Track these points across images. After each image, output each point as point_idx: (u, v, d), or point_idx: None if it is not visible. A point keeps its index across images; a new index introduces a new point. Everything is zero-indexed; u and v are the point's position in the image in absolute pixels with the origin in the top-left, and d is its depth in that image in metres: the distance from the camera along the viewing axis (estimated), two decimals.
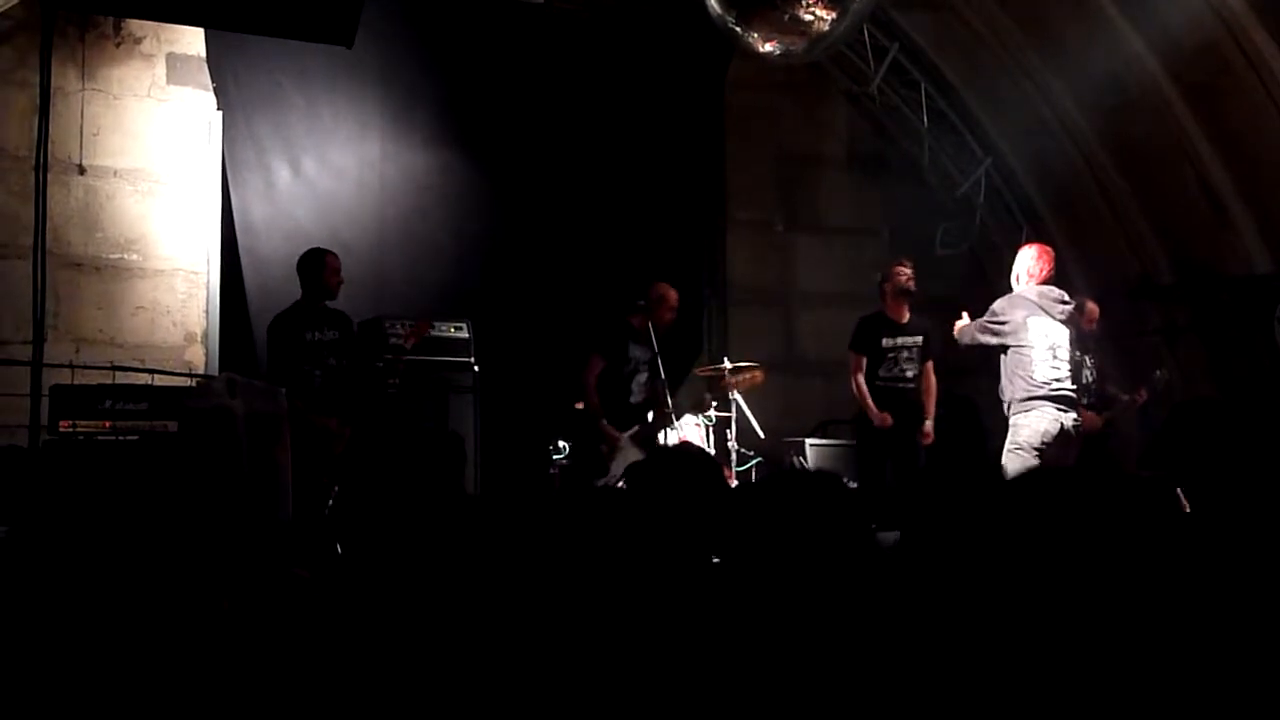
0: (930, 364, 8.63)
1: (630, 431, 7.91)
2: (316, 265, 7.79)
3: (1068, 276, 7.44)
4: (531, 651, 2.76)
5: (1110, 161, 10.18)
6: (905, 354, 8.51)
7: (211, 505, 5.67)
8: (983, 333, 7.46)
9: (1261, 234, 9.24)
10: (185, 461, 5.99)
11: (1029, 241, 8.26)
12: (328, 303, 7.86)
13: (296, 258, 8.65)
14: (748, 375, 8.76)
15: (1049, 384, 7.26)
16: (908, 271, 8.57)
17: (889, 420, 8.32)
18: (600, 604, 2.89)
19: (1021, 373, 7.30)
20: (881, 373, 8.49)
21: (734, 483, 8.62)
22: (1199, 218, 9.57)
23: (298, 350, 7.62)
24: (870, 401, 8.40)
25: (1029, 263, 7.50)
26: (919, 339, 8.58)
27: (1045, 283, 7.41)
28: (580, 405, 8.19)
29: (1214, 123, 9.13)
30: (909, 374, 8.51)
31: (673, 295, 8.24)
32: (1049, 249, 7.61)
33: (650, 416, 8.20)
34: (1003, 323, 7.38)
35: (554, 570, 3.22)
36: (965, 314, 7.74)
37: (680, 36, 10.02)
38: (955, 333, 7.74)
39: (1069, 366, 7.36)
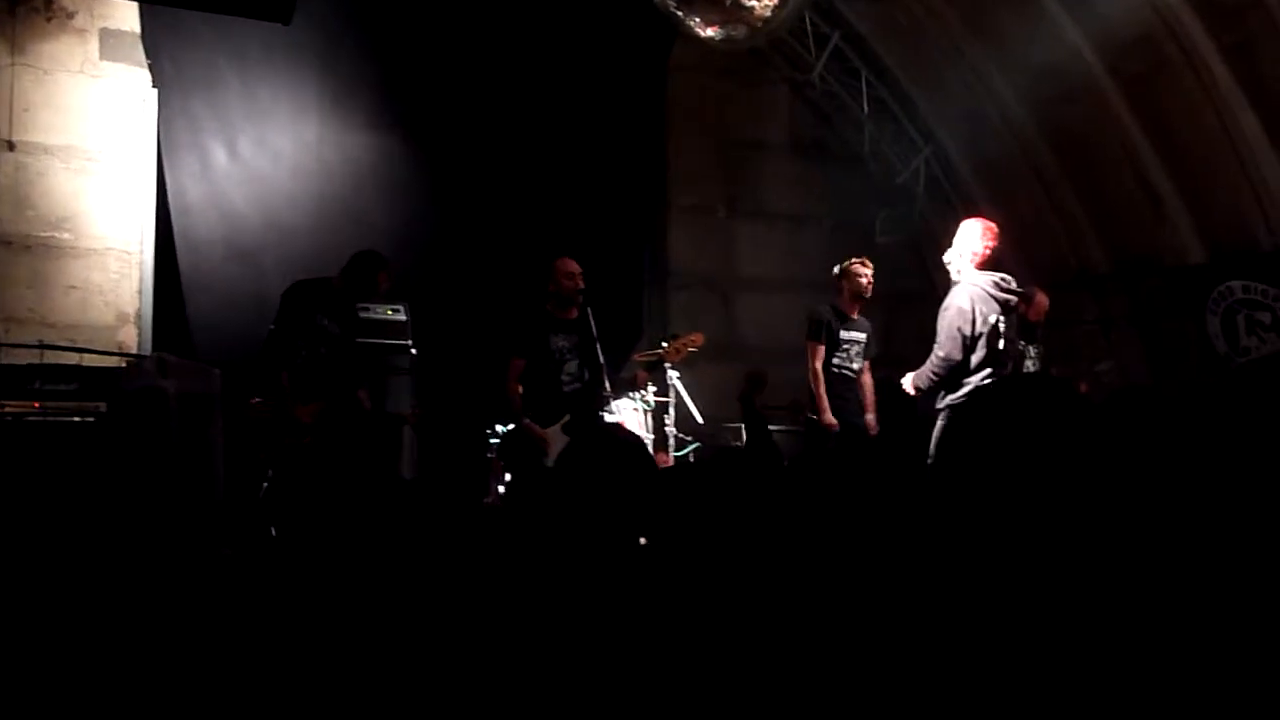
0: (868, 362, 8.70)
1: (561, 423, 7.83)
2: (370, 272, 7.68)
3: (1005, 266, 7.24)
4: (466, 636, 2.74)
5: (1048, 152, 10.26)
6: (855, 348, 8.58)
7: (142, 486, 5.60)
8: (953, 348, 6.98)
9: (1195, 225, 9.35)
10: (116, 442, 5.91)
11: (970, 217, 7.75)
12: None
13: (232, 239, 8.60)
14: (686, 340, 8.69)
15: (984, 378, 6.96)
16: (868, 275, 8.58)
17: (836, 425, 8.36)
18: (531, 588, 2.88)
19: (973, 372, 7.02)
20: (835, 361, 8.55)
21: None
22: (1135, 209, 9.66)
23: (303, 326, 7.49)
24: (825, 399, 8.42)
25: (973, 241, 7.16)
26: (864, 336, 8.65)
27: (987, 262, 7.11)
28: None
29: (1150, 115, 9.21)
30: (855, 366, 8.59)
31: (563, 263, 8.02)
32: (992, 225, 7.25)
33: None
34: (974, 327, 6.99)
35: (491, 555, 3.20)
36: (909, 374, 7.35)
37: (622, 20, 9.99)
38: (911, 387, 7.34)
39: (1002, 356, 7.17)
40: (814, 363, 8.48)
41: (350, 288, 7.71)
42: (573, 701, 2.53)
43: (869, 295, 8.60)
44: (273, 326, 7.53)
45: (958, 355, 6.96)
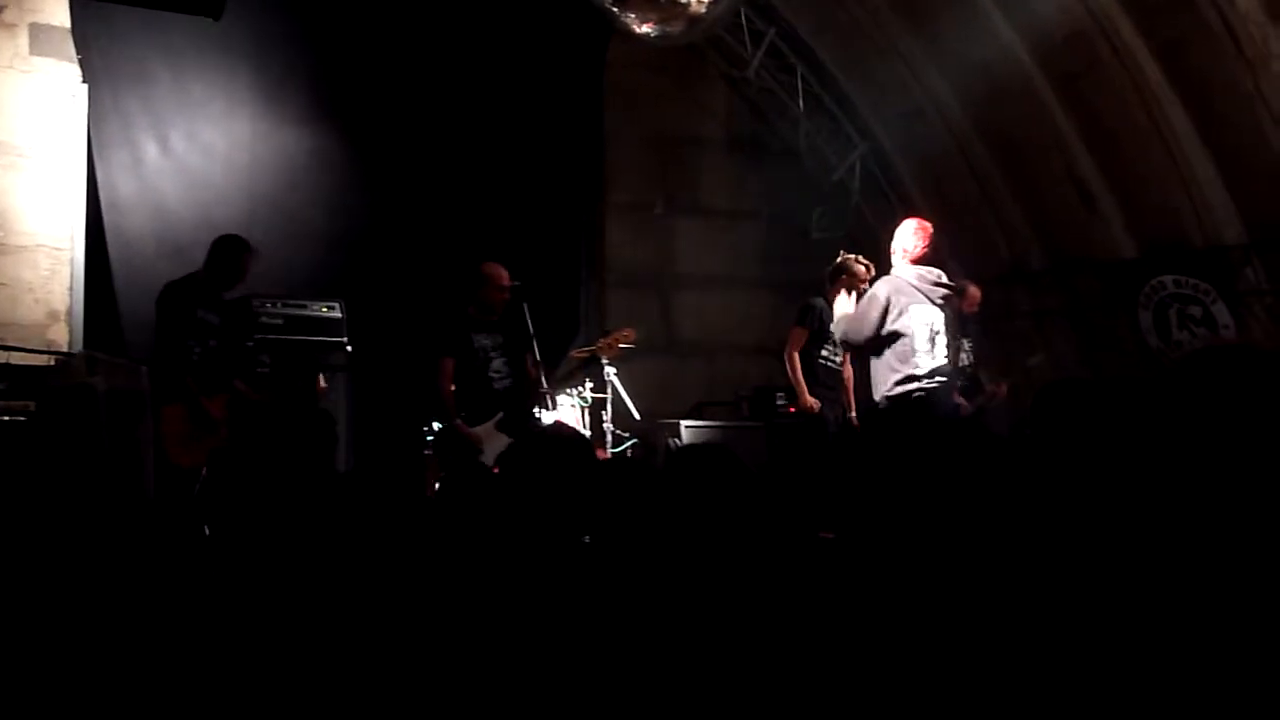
0: (849, 354, 8.64)
1: (494, 420, 7.87)
2: (234, 255, 7.68)
3: (941, 261, 7.32)
4: (408, 633, 2.73)
5: (983, 149, 10.33)
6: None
7: (72, 485, 5.53)
8: (864, 322, 7.17)
9: (1127, 221, 9.44)
10: (45, 441, 5.83)
11: (907, 215, 7.95)
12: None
13: (164, 235, 8.53)
14: (619, 335, 8.74)
15: (924, 370, 7.09)
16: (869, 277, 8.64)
17: (817, 406, 8.39)
18: (474, 585, 2.87)
19: (901, 363, 7.10)
20: (823, 352, 8.58)
21: None
22: (1068, 205, 9.74)
23: (187, 324, 7.50)
24: (803, 382, 8.44)
25: (906, 238, 7.27)
26: None
27: (921, 259, 7.20)
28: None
29: (1082, 112, 9.30)
30: (837, 358, 8.64)
31: (496, 273, 8.07)
32: (927, 224, 7.36)
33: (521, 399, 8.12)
34: (886, 309, 7.13)
35: (428, 552, 3.18)
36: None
37: (559, 17, 9.97)
38: (833, 325, 7.61)
39: (946, 352, 7.27)
40: (792, 348, 8.51)
41: (216, 276, 7.70)
42: (520, 699, 2.52)
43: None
44: (158, 334, 7.54)
45: (860, 334, 7.20)
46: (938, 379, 7.07)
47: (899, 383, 7.09)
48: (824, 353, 8.59)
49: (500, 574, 2.89)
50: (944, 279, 7.18)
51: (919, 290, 7.11)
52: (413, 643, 2.69)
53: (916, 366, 7.05)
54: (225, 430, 7.53)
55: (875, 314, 7.08)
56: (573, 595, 2.74)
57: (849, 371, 8.72)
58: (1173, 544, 2.40)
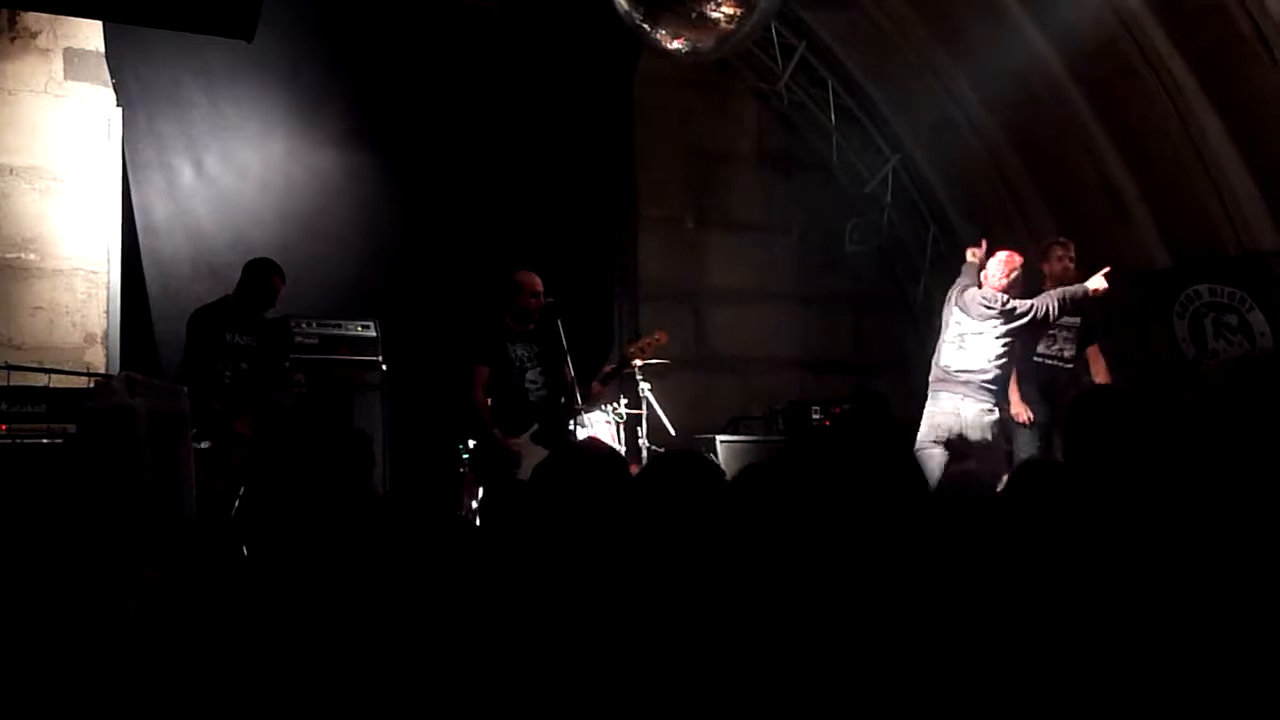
0: (1094, 347, 8.51)
1: (529, 431, 7.88)
2: (262, 278, 7.86)
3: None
4: (447, 653, 2.73)
5: (1014, 158, 10.30)
6: (1064, 333, 8.41)
7: (114, 506, 5.56)
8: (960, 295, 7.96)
9: (1160, 229, 9.39)
10: (86, 462, 5.87)
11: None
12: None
13: (199, 257, 8.58)
14: (649, 340, 8.66)
15: (951, 369, 7.73)
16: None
17: (1023, 415, 8.11)
18: (512, 604, 2.87)
19: (934, 357, 7.89)
20: (1040, 348, 8.37)
21: None
22: (1100, 214, 9.70)
23: (215, 348, 7.61)
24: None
25: (989, 267, 7.93)
26: (1076, 319, 8.37)
27: (1002, 289, 7.81)
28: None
29: (1114, 121, 9.26)
30: (1066, 354, 8.42)
31: (530, 280, 8.10)
32: (1017, 257, 7.93)
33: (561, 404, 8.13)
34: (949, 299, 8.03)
35: (471, 570, 3.18)
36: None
37: (589, 34, 9.98)
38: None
39: (979, 357, 7.61)
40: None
41: (248, 298, 7.82)
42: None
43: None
44: (184, 358, 7.68)
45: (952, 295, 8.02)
46: (963, 377, 7.69)
47: (932, 379, 7.91)
48: (1039, 349, 8.39)
49: (538, 593, 2.89)
50: (997, 303, 7.72)
51: (969, 302, 7.83)
52: (451, 663, 2.70)
53: (939, 360, 7.87)
54: (252, 448, 7.58)
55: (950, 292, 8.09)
56: (609, 612, 2.73)
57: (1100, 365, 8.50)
58: (1201, 557, 2.39)
